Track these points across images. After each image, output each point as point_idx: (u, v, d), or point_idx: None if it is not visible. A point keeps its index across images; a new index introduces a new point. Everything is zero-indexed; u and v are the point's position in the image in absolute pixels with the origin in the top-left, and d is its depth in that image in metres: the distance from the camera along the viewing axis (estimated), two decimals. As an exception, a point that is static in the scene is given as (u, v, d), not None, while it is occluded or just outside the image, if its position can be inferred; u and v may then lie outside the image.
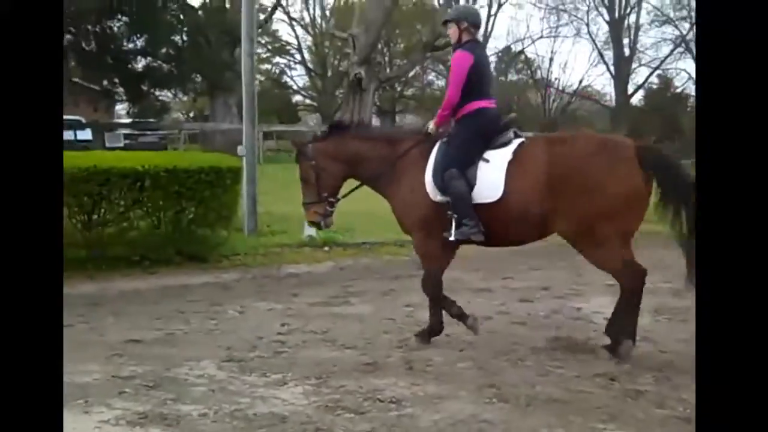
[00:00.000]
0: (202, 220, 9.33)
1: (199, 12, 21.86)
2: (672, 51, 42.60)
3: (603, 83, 72.44)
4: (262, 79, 44.89)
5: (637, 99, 45.80)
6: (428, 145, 5.89)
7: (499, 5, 48.19)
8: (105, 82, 19.29)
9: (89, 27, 17.23)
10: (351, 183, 6.33)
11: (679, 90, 43.83)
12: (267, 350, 5.66)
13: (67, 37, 17.91)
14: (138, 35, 17.83)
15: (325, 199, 6.07)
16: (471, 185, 5.58)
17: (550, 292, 7.32)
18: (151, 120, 26.37)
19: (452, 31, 5.97)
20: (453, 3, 43.03)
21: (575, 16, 45.57)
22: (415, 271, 9.35)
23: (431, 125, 5.97)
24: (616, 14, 43.72)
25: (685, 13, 40.98)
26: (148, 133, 29.08)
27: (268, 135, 28.74)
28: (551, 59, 48.37)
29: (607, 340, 5.51)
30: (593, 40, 45.74)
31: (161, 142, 28.76)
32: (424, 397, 4.56)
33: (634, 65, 44.66)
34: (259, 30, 25.59)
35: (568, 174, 5.34)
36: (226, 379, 4.96)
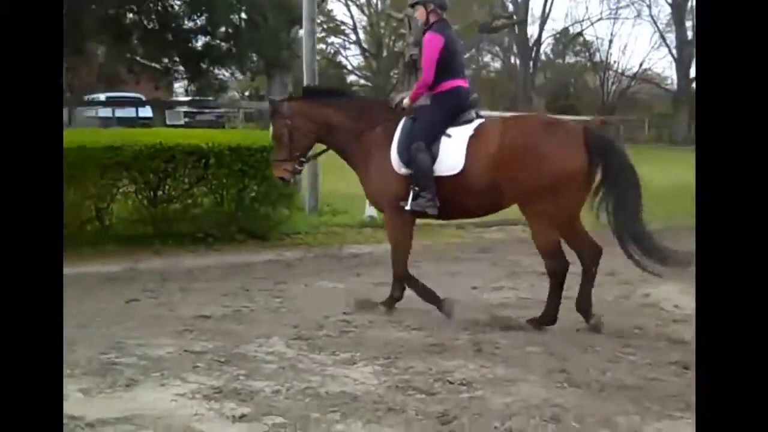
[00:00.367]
0: (264, 198, 9.42)
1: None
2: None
3: (664, 66, 71.13)
4: (318, 58, 45.07)
5: (698, 82, 44.75)
6: (394, 121, 6.15)
7: (558, -14, 47.46)
8: (165, 60, 19.56)
9: (151, 5, 17.44)
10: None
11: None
12: (334, 329, 5.70)
13: (130, 15, 18.19)
14: (198, 14, 17.99)
15: (296, 158, 6.38)
16: (434, 159, 5.86)
17: (615, 278, 7.22)
18: (210, 98, 26.67)
19: (419, 13, 6.23)
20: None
21: (636, -3, 44.75)
22: (477, 254, 9.40)
23: (406, 100, 6.23)
24: (679, -4, 42.77)
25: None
26: (206, 111, 29.49)
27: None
28: (611, 42, 47.78)
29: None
30: (654, 23, 44.96)
31: (219, 121, 29.15)
32: (493, 380, 4.55)
33: (696, 48, 43.66)
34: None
35: (516, 150, 5.63)
36: (295, 357, 5.01)
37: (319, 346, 5.26)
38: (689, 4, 42.91)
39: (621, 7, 45.71)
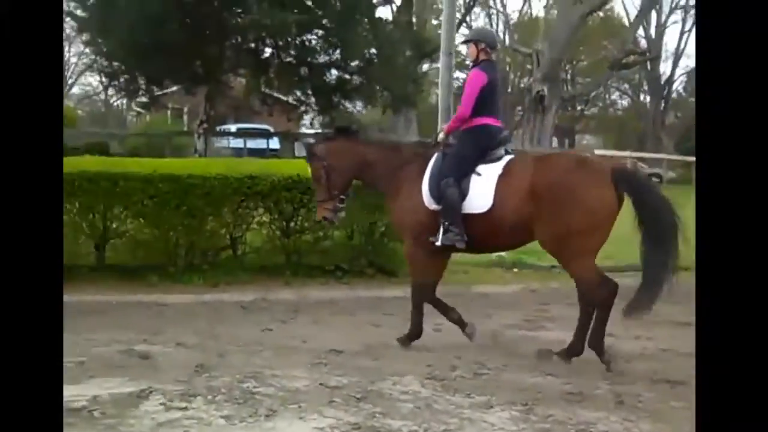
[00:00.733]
0: (393, 232, 9.46)
1: (389, 27, 22.40)
2: None
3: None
4: (439, 92, 45.33)
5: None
6: (427, 157, 6.38)
7: (694, 22, 46.09)
8: (299, 93, 20.18)
9: (289, 40, 18.04)
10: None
11: None
12: (467, 371, 5.63)
13: (268, 49, 18.89)
14: (333, 48, 18.49)
15: (336, 197, 6.59)
16: (463, 195, 6.05)
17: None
18: (330, 131, 27.18)
19: (471, 51, 6.40)
20: (644, 19, 41.82)
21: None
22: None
23: (441, 134, 6.51)
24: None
25: None
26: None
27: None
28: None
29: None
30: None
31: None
32: (639, 436, 4.38)
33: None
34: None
35: (549, 187, 5.80)
36: (430, 397, 4.96)
37: (454, 387, 5.20)
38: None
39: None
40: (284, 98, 23.88)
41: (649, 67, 45.95)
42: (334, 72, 19.78)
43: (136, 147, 25.94)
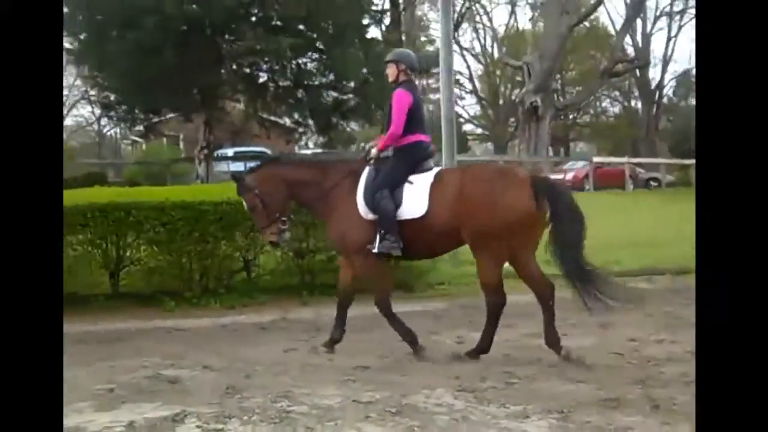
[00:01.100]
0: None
1: (380, 46, 22.54)
2: None
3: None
4: (430, 108, 45.52)
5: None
6: (357, 172, 6.70)
7: (680, 28, 46.49)
8: (296, 115, 20.28)
9: (285, 63, 18.17)
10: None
11: None
12: (498, 381, 5.64)
13: (264, 74, 19.01)
14: (328, 71, 18.61)
15: (277, 219, 6.83)
16: (397, 204, 6.43)
17: None
18: (333, 151, 27.24)
19: (391, 71, 6.76)
20: (630, 27, 42.11)
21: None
22: (630, 304, 9.13)
23: (374, 151, 6.74)
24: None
25: None
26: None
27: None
28: (736, 82, 46.10)
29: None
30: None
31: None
32: (679, 438, 4.40)
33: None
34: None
35: (472, 194, 6.26)
36: (465, 409, 4.97)
37: (487, 398, 5.21)
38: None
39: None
40: (281, 121, 23.98)
41: (638, 74, 46.22)
42: (330, 93, 19.90)
43: (134, 175, 25.97)
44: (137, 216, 9.02)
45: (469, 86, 52.17)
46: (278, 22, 17.45)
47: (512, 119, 49.91)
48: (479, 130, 54.80)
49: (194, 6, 17.16)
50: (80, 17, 18.33)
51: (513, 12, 49.96)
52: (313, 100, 19.17)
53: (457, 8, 38.37)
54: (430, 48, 37.18)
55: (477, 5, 45.25)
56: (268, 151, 28.46)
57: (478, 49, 51.90)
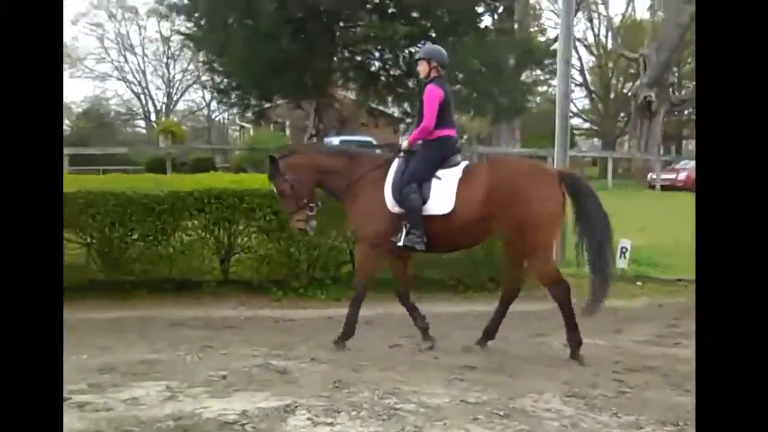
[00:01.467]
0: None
1: (493, 35, 22.27)
2: None
3: None
4: (538, 100, 44.77)
5: None
6: (385, 165, 6.83)
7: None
8: (406, 105, 20.28)
9: (398, 52, 18.17)
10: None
11: None
12: (609, 388, 5.52)
13: (376, 63, 19.09)
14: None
15: (305, 206, 6.96)
16: (425, 200, 6.53)
17: None
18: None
19: (422, 67, 6.91)
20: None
21: None
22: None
23: (405, 143, 6.87)
24: None
25: None
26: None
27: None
28: None
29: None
30: None
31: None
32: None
33: None
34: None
35: (505, 189, 6.40)
36: (575, 416, 4.89)
37: (598, 405, 5.10)
38: None
39: None
40: (390, 110, 24.05)
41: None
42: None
43: (242, 161, 26.55)
44: (250, 203, 9.21)
45: (579, 78, 51.08)
46: (393, 10, 17.47)
47: (623, 114, 48.64)
48: (587, 125, 53.64)
49: (312, -8, 17.40)
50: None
51: (631, 1, 48.60)
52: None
53: (573, -2, 37.55)
54: (542, 38, 36.51)
55: (594, -6, 44.22)
56: (374, 141, 28.68)
57: (591, 39, 50.78)
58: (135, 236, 9.18)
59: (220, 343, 6.99)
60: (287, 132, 39.88)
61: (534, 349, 6.87)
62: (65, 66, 54.01)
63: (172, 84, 56.90)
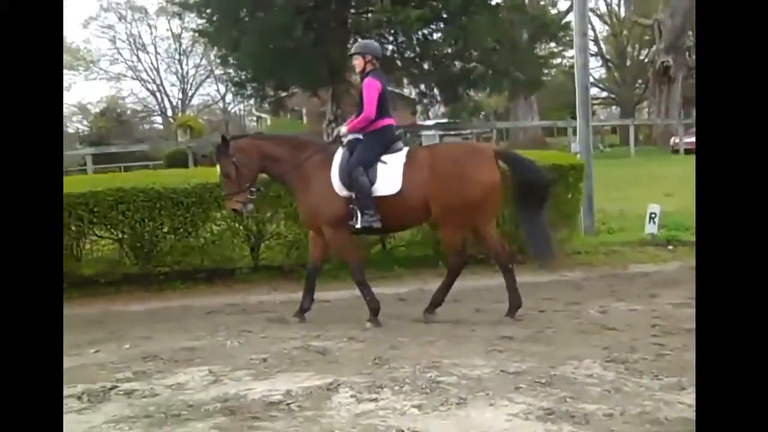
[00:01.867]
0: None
1: (504, 11, 22.12)
2: None
3: None
4: (553, 72, 44.46)
5: None
6: (330, 151, 7.19)
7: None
8: (422, 86, 20.24)
9: (411, 34, 18.13)
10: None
11: None
12: (648, 352, 5.53)
13: (390, 46, 19.07)
14: (454, 40, 18.41)
15: (246, 189, 7.20)
16: (372, 182, 6.91)
17: None
18: (453, 120, 27.07)
19: (358, 62, 7.23)
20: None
21: None
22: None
23: (344, 130, 7.25)
24: None
25: None
26: (451, 133, 30.11)
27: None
28: None
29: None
30: None
31: (464, 142, 29.62)
32: None
33: None
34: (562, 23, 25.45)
35: (446, 170, 6.85)
36: (617, 380, 4.92)
37: (639, 369, 5.12)
38: None
39: None
40: (406, 92, 24.01)
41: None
42: (456, 63, 19.69)
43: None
44: (276, 191, 9.26)
45: (594, 48, 50.60)
46: (404, -7, 17.46)
47: (640, 81, 48.23)
48: (604, 94, 53.23)
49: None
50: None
51: (640, -32, 48.03)
52: (440, 70, 19.05)
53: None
54: (553, 11, 36.26)
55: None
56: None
57: (603, 8, 50.31)
58: (165, 229, 9.26)
59: (258, 327, 7.06)
60: (304, 120, 39.98)
61: (570, 317, 6.87)
62: (80, 69, 54.41)
63: (186, 80, 57.16)
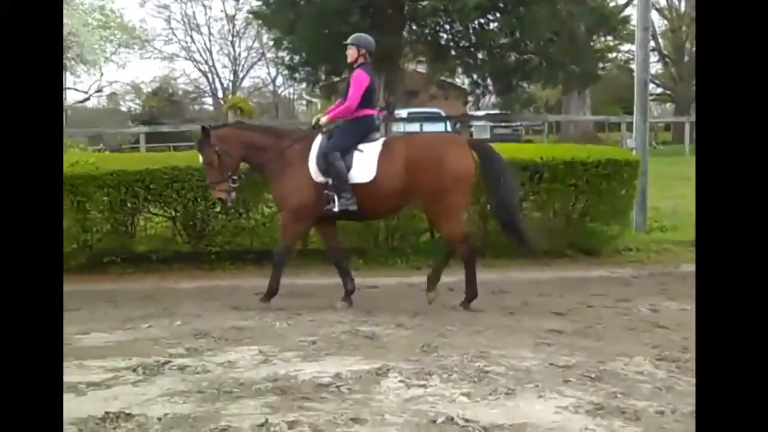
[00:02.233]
0: (596, 213, 9.30)
1: (561, 2, 21.85)
2: None
3: None
4: (608, 66, 43.83)
5: None
6: (310, 140, 7.37)
7: None
8: (475, 76, 20.11)
9: (467, 24, 18.00)
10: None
11: None
12: (701, 352, 5.45)
13: (445, 35, 18.97)
14: (511, 30, 18.23)
15: (228, 178, 7.38)
16: (348, 167, 7.14)
17: None
18: (504, 112, 26.83)
19: (351, 53, 7.45)
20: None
21: None
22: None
23: (324, 119, 7.52)
24: None
25: None
26: (502, 124, 29.88)
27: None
28: None
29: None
30: None
31: (514, 134, 29.39)
32: None
33: None
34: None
35: (421, 160, 7.11)
36: (668, 379, 4.87)
37: (690, 368, 5.04)
38: None
39: None
40: (459, 82, 23.88)
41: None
42: (512, 54, 19.49)
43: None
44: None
45: (652, 43, 49.68)
46: (463, -18, 17.31)
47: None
48: (659, 90, 52.35)
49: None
50: None
51: (701, -37, 47.02)
52: (494, 60, 18.88)
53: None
54: (612, 3, 35.68)
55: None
56: (442, 112, 28.57)
57: (663, 2, 49.39)
58: (217, 209, 9.39)
59: (306, 310, 7.13)
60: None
61: (619, 313, 6.82)
62: (135, 48, 55.10)
63: (237, 62, 57.50)
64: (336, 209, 7.20)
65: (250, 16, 29.69)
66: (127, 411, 4.13)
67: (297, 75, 21.97)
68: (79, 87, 37.25)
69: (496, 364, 5.13)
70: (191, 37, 56.50)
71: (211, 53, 57.14)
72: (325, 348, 5.63)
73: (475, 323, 6.49)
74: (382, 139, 7.48)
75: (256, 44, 54.12)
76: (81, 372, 4.99)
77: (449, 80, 24.11)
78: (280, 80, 51.31)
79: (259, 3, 19.51)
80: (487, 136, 25.21)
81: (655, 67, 51.58)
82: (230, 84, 57.90)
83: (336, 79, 22.75)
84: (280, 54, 24.07)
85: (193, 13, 58.25)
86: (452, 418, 4.07)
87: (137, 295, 8.13)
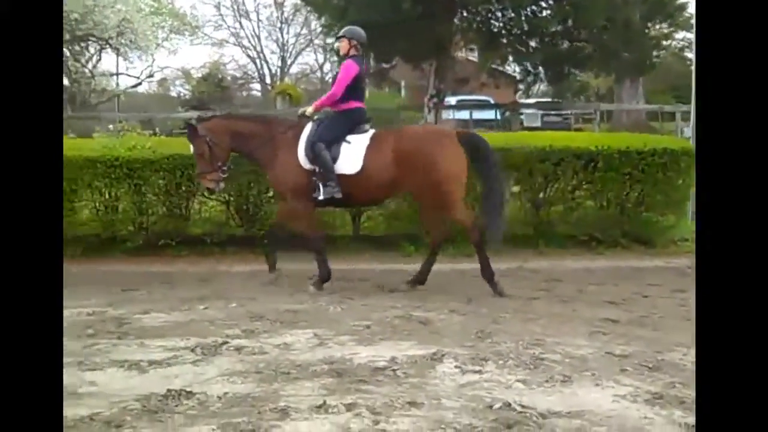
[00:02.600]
0: (651, 203, 9.18)
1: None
2: None
3: None
4: (663, 54, 43.00)
5: None
6: (300, 128, 7.53)
7: None
8: (527, 64, 19.88)
9: (520, 11, 17.79)
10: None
11: None
12: (760, 344, 5.36)
13: (497, 22, 18.75)
14: (564, 18, 17.96)
15: (219, 168, 7.59)
16: (335, 158, 7.29)
17: None
18: (555, 100, 26.49)
19: (343, 44, 7.62)
20: None
21: None
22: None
23: (310, 109, 7.66)
24: None
25: None
26: (552, 113, 29.58)
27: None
28: None
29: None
30: None
31: (564, 122, 29.07)
32: None
33: None
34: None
35: (411, 153, 7.22)
36: (727, 370, 4.79)
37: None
38: None
39: None
40: (510, 70, 23.65)
41: None
42: (564, 41, 19.19)
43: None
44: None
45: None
46: (515, -31, 17.13)
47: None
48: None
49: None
50: None
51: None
52: (546, 48, 18.61)
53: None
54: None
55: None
56: (491, 100, 28.38)
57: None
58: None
59: (358, 294, 7.18)
60: (402, 92, 39.94)
61: (676, 304, 6.73)
62: (185, 34, 55.63)
63: (285, 48, 57.72)
64: (321, 197, 7.34)
65: (299, 2, 29.72)
66: (188, 389, 4.21)
67: (346, 61, 21.88)
68: (132, 72, 37.63)
69: (551, 352, 5.11)
70: (240, 23, 56.83)
71: (259, 39, 57.43)
72: (379, 332, 5.66)
73: (528, 311, 6.47)
74: (371, 132, 7.55)
75: (305, 30, 54.30)
76: (142, 350, 5.11)
77: (500, 68, 23.87)
78: (327, 66, 51.37)
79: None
80: (538, 124, 25.03)
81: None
82: (278, 70, 58.17)
83: (385, 66, 22.71)
84: (329, 40, 24.06)
85: (243, -1, 58.67)
86: (509, 404, 4.06)
87: (194, 278, 8.26)
